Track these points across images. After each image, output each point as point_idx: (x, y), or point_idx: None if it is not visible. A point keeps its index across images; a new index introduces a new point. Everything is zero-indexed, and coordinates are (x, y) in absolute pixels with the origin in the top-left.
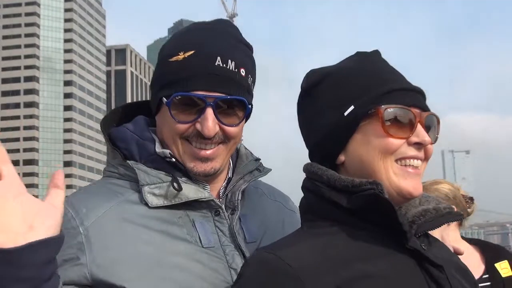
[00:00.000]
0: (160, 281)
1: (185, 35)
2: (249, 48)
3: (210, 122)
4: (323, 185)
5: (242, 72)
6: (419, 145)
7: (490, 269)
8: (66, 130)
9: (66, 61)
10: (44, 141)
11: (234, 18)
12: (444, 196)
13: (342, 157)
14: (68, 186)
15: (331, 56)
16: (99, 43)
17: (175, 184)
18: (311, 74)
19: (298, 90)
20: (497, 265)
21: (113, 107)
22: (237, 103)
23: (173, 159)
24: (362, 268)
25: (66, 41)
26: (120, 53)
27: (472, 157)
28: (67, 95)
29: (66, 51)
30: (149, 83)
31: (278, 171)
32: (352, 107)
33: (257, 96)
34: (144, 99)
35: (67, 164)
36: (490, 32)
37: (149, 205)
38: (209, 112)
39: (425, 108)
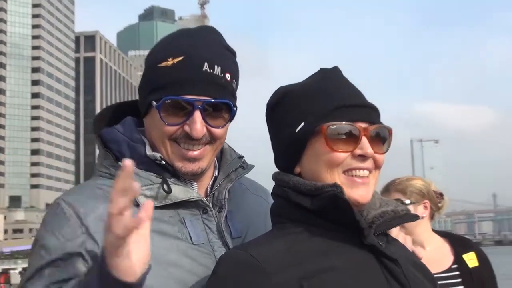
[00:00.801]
0: (157, 277)
1: (173, 41)
2: (233, 53)
3: (198, 124)
4: (290, 190)
5: (228, 76)
6: (363, 157)
7: (459, 260)
8: (34, 118)
9: (34, 48)
10: (11, 128)
11: (206, 5)
12: (419, 191)
13: (298, 169)
14: (35, 175)
15: (305, 43)
16: (68, 29)
17: (165, 186)
18: (276, 92)
19: (271, 78)
20: (464, 256)
21: (81, 94)
22: (223, 106)
23: (163, 162)
24: (324, 261)
25: (34, 27)
26: (90, 40)
27: (440, 146)
28: (34, 82)
29: (34, 37)
30: (119, 71)
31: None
32: (302, 125)
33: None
34: (113, 87)
35: (34, 152)
36: (462, 24)
37: (140, 206)
38: (198, 115)
39: (373, 122)
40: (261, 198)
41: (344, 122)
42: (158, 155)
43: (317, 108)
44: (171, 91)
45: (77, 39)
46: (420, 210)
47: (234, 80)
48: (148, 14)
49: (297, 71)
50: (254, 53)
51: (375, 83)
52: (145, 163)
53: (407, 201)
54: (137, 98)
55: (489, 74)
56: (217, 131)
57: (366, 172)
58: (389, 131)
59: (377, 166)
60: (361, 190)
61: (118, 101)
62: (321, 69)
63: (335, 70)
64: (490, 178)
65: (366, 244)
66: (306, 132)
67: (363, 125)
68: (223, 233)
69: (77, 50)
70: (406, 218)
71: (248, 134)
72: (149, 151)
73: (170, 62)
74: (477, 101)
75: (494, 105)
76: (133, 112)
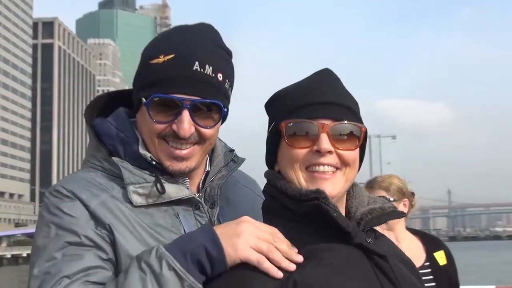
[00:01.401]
0: None
1: (167, 38)
2: (228, 53)
3: (185, 123)
4: (277, 192)
5: (220, 77)
6: (320, 153)
7: (430, 258)
8: None
9: None
10: None
11: None
12: (400, 189)
13: (276, 167)
14: None
15: (271, 37)
16: (26, 15)
17: (158, 187)
18: (271, 96)
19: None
20: (435, 254)
21: (39, 82)
22: (213, 106)
23: (153, 162)
24: (315, 258)
25: None
26: (48, 26)
27: (398, 142)
28: None
29: None
30: (77, 58)
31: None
32: (272, 124)
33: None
34: (72, 74)
35: None
36: (423, 22)
37: (133, 203)
38: (185, 114)
39: (338, 119)
40: (250, 191)
41: (302, 119)
42: (149, 155)
43: (283, 107)
44: (160, 89)
45: (35, 25)
46: (401, 207)
47: (227, 80)
48: (108, 2)
49: (261, 54)
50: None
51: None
52: (138, 160)
53: (391, 199)
54: (97, 87)
55: (447, 72)
56: (206, 132)
57: (327, 168)
58: (361, 128)
59: (344, 162)
60: (321, 186)
61: (76, 89)
62: (317, 71)
63: (323, 71)
64: (445, 174)
65: (354, 243)
66: (275, 131)
67: (325, 121)
68: None
69: (35, 36)
70: (393, 215)
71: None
72: (141, 149)
73: (161, 59)
74: (435, 98)
75: (451, 102)
76: (125, 102)
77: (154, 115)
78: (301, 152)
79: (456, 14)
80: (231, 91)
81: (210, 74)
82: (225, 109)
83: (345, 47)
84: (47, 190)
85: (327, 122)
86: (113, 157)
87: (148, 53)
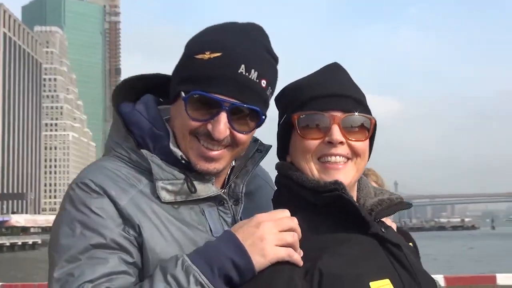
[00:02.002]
0: None
1: (215, 34)
2: (275, 59)
3: (221, 125)
4: (292, 183)
5: (263, 83)
6: (332, 144)
7: None
8: None
9: None
10: None
11: None
12: (382, 183)
13: (288, 159)
14: None
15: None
16: None
17: (191, 187)
18: (281, 89)
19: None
20: None
21: None
22: (252, 112)
23: (183, 161)
24: (335, 249)
25: None
26: None
27: None
28: None
29: None
30: (24, 46)
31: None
32: (284, 116)
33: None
34: (17, 62)
35: None
36: (376, 18)
37: (162, 200)
38: (223, 116)
39: (348, 111)
40: (267, 184)
41: (314, 111)
42: (179, 153)
43: (295, 100)
44: (201, 86)
45: None
46: None
47: (269, 87)
48: None
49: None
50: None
51: (299, 73)
52: (167, 155)
53: None
54: (44, 75)
55: (397, 66)
56: (240, 136)
57: (339, 158)
58: (371, 120)
59: (355, 153)
60: (334, 176)
61: (22, 77)
62: (326, 64)
63: (333, 65)
64: (392, 166)
65: (370, 232)
66: (287, 123)
67: (336, 113)
68: None
69: None
70: (400, 206)
71: None
72: (172, 145)
73: (207, 55)
74: (385, 91)
75: (399, 96)
76: (150, 87)
77: (191, 112)
78: (314, 143)
79: (412, 10)
80: (271, 98)
81: (255, 79)
82: (263, 117)
83: (306, 40)
84: (74, 180)
85: (338, 114)
86: (142, 150)
87: (194, 47)
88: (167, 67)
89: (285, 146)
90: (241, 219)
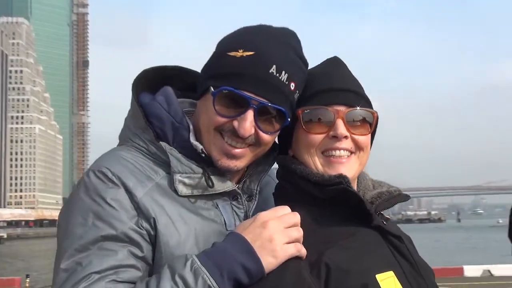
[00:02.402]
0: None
1: (249, 34)
2: (305, 64)
3: (247, 123)
4: (296, 177)
5: (292, 86)
6: (336, 138)
7: None
8: None
9: None
10: None
11: None
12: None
13: (291, 152)
14: None
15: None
16: None
17: (209, 181)
18: None
19: (152, 52)
20: None
21: None
22: (278, 113)
23: (203, 155)
24: (340, 243)
25: None
26: None
27: None
28: None
29: None
30: None
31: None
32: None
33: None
34: None
35: None
36: (339, 12)
37: (179, 193)
38: (250, 113)
39: (352, 105)
40: (272, 180)
41: (318, 106)
42: (200, 147)
43: (301, 94)
44: (231, 83)
45: None
46: None
47: (297, 91)
48: None
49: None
50: (135, 23)
51: None
52: (186, 148)
53: None
54: (10, 67)
55: (363, 60)
56: (265, 136)
57: (343, 152)
58: (373, 114)
59: (358, 147)
60: (338, 170)
61: None
62: (326, 59)
63: (334, 59)
64: None
65: (373, 225)
66: (291, 118)
67: (340, 108)
68: None
69: None
70: (399, 198)
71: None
72: (192, 139)
73: (239, 53)
74: None
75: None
76: (164, 79)
77: (218, 107)
78: (318, 137)
79: (376, 5)
80: (296, 101)
81: (284, 81)
82: (289, 119)
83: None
84: (90, 167)
85: (342, 108)
86: (161, 142)
87: (227, 44)
88: (135, 56)
89: (288, 140)
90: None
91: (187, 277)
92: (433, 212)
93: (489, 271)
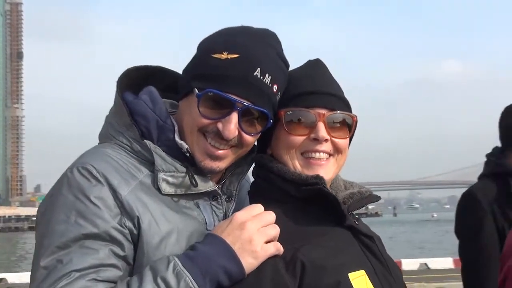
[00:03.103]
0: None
1: (233, 36)
2: (286, 66)
3: (232, 125)
4: (273, 175)
5: (275, 88)
6: (317, 141)
7: None
8: None
9: None
10: None
11: None
12: None
13: (269, 151)
14: None
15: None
16: None
17: (193, 180)
18: None
19: (90, 45)
20: None
21: None
22: (261, 115)
23: (188, 154)
24: (314, 241)
25: None
26: None
27: None
28: None
29: None
30: None
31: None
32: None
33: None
34: None
35: None
36: (282, 6)
37: (162, 191)
38: (234, 116)
39: (333, 108)
40: (247, 182)
41: (300, 108)
42: (186, 146)
43: (283, 95)
44: (216, 85)
45: None
46: None
47: (279, 93)
48: None
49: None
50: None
51: None
52: (171, 147)
53: None
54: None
55: (301, 55)
56: (247, 138)
57: (322, 155)
58: (353, 118)
59: (337, 150)
60: (316, 171)
61: None
62: (308, 60)
63: (316, 61)
64: None
65: (345, 225)
66: (272, 119)
67: (321, 111)
68: None
69: None
70: (370, 198)
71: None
72: (177, 138)
73: (224, 56)
74: None
75: None
76: (147, 79)
77: (202, 109)
78: (299, 139)
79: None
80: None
81: (268, 83)
82: (271, 121)
83: (214, 21)
84: (73, 164)
85: (323, 111)
86: (146, 141)
87: (210, 45)
88: (71, 49)
89: (266, 139)
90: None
91: (169, 279)
92: (370, 207)
93: (426, 264)
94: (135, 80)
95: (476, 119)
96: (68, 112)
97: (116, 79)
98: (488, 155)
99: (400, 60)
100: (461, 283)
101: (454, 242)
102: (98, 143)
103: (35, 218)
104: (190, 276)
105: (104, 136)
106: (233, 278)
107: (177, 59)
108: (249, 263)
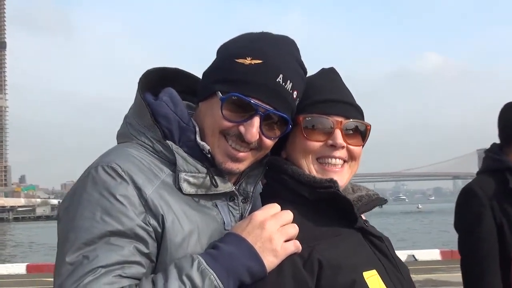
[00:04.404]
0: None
1: (256, 42)
2: (304, 72)
3: (254, 129)
4: (287, 177)
5: (295, 94)
6: (335, 147)
7: None
8: None
9: None
10: None
11: None
12: None
13: (284, 154)
14: None
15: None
16: None
17: (213, 181)
18: None
19: (75, 38)
20: None
21: None
22: (281, 120)
23: (209, 155)
24: (328, 242)
25: None
26: None
27: None
28: None
29: None
30: None
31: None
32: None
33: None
34: None
35: None
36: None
37: (183, 191)
38: (257, 120)
39: (349, 117)
40: (259, 186)
41: (319, 115)
42: (207, 147)
43: (302, 101)
44: (240, 89)
45: None
46: None
47: (298, 99)
48: None
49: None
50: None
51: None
52: (192, 148)
53: None
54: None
55: None
56: (267, 141)
57: (338, 161)
58: (367, 126)
59: (352, 156)
60: (331, 177)
61: None
62: (321, 68)
63: (330, 70)
64: None
65: (356, 226)
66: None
67: (338, 119)
68: None
69: None
70: (377, 201)
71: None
72: (199, 139)
73: (248, 61)
74: None
75: None
76: (166, 80)
77: (225, 112)
78: (316, 144)
79: None
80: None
81: (289, 90)
82: (290, 126)
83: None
84: (97, 162)
85: (340, 119)
86: (168, 141)
87: (234, 50)
88: (57, 42)
89: (281, 142)
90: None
91: (194, 277)
92: None
93: (413, 256)
94: (154, 82)
95: (459, 111)
96: (52, 103)
97: (99, 71)
98: (486, 151)
99: (382, 52)
100: (448, 274)
101: (442, 233)
102: (118, 143)
103: (20, 209)
104: (214, 274)
105: (125, 136)
106: (255, 277)
107: (165, 54)
108: (270, 261)
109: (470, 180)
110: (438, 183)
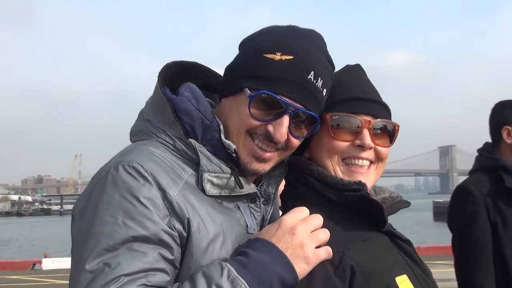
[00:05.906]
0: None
1: (285, 37)
2: (333, 68)
3: (284, 128)
4: (312, 179)
5: (324, 92)
6: (363, 148)
7: None
8: None
9: None
10: None
11: None
12: None
13: (306, 154)
14: None
15: None
16: None
17: (238, 182)
18: None
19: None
20: None
21: None
22: (309, 119)
23: (234, 154)
24: (357, 246)
25: None
26: None
27: None
28: None
29: None
30: None
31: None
32: None
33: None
34: None
35: None
36: None
37: (206, 192)
38: (286, 119)
39: (377, 116)
40: None
41: (347, 114)
42: (233, 147)
43: (329, 99)
44: (269, 86)
45: None
46: None
47: (326, 97)
48: None
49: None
50: None
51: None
52: (216, 147)
53: None
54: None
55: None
56: (294, 141)
57: (365, 162)
58: (395, 127)
59: (379, 158)
60: (357, 178)
61: None
62: (346, 65)
63: (356, 66)
64: None
65: (383, 230)
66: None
67: (366, 118)
68: (265, 225)
69: None
70: (401, 204)
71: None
72: (224, 138)
73: (278, 56)
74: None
75: None
76: (184, 75)
77: (253, 110)
78: (343, 144)
79: None
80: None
81: (320, 87)
82: (318, 126)
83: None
84: (117, 161)
85: (369, 118)
86: (190, 139)
87: (262, 46)
88: (17, 30)
89: (306, 141)
90: (271, 221)
91: (224, 286)
92: None
93: None
94: (173, 76)
95: (421, 109)
96: (15, 97)
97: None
98: (479, 150)
99: (346, 48)
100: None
101: (401, 230)
102: (134, 141)
103: None
104: (246, 284)
105: (142, 133)
106: (286, 286)
107: (124, 42)
108: (302, 269)
109: (431, 177)
110: (400, 179)
